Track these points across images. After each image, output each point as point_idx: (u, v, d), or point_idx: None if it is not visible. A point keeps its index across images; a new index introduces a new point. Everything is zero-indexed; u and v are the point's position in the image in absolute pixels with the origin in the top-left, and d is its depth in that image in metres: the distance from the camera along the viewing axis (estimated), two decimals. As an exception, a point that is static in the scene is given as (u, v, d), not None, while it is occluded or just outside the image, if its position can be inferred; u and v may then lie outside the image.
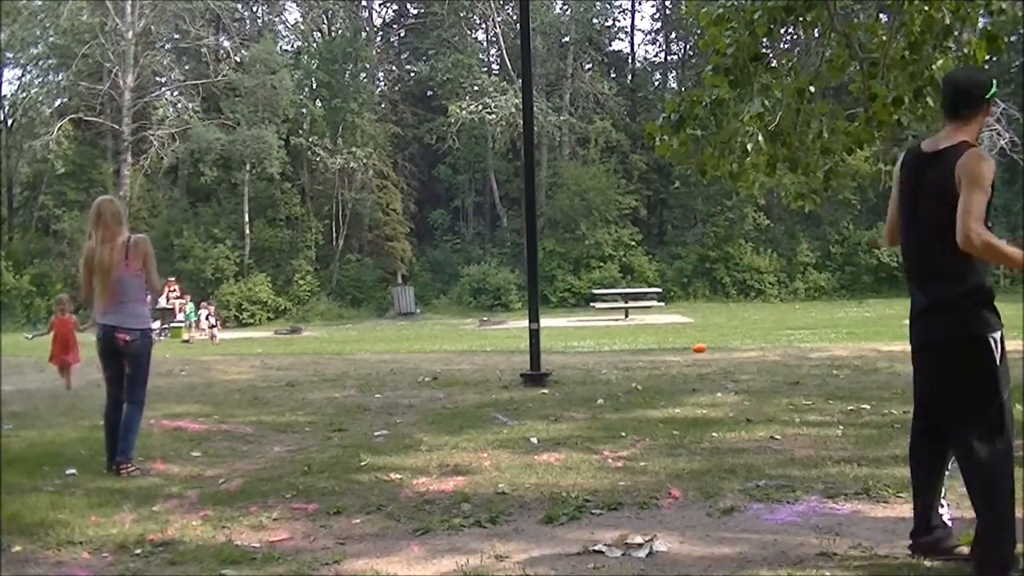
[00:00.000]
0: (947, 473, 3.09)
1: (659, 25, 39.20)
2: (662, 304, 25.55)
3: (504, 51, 34.86)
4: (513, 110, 31.03)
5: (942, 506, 3.08)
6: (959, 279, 2.95)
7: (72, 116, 30.68)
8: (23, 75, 32.70)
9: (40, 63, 32.08)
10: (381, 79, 38.30)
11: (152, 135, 30.61)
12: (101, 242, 5.19)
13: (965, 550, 2.99)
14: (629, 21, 39.30)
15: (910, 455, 3.20)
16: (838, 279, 30.99)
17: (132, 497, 4.46)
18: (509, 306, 29.52)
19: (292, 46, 35.89)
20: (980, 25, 6.87)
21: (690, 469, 4.71)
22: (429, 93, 36.28)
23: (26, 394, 9.27)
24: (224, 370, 11.61)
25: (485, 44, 38.48)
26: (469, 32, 36.99)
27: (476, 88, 32.99)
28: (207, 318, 22.00)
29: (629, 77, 39.17)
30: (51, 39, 31.08)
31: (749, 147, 6.68)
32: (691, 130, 7.07)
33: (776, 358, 10.82)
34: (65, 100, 32.07)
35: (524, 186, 10.03)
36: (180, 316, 22.04)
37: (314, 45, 35.23)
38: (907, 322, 3.15)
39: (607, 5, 37.24)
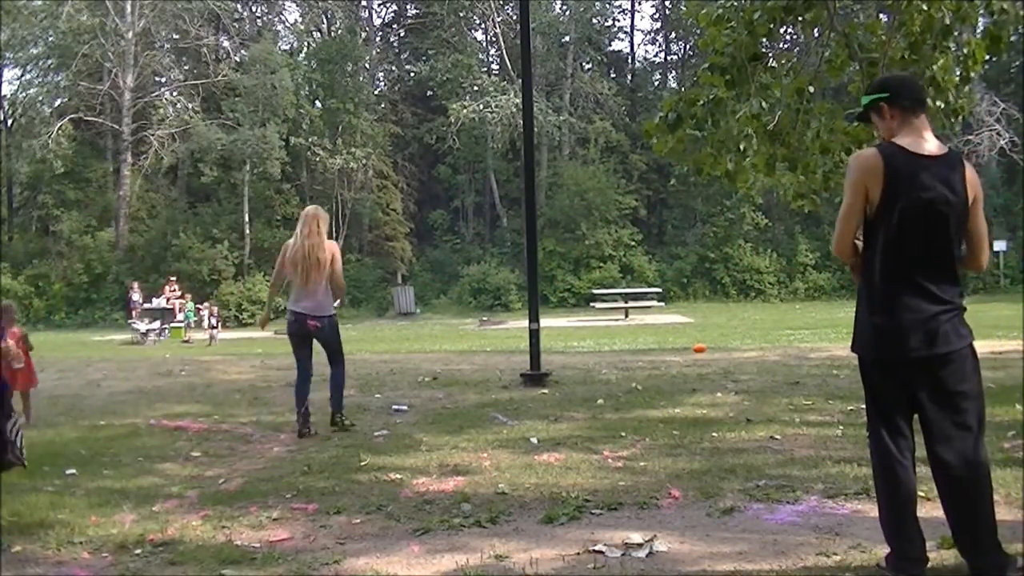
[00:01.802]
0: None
1: (659, 25, 39.28)
2: (662, 304, 25.55)
3: (504, 51, 34.87)
4: (513, 110, 31.02)
5: None
6: (958, 284, 2.91)
7: (72, 116, 30.67)
8: (23, 75, 32.76)
9: (40, 63, 32.07)
10: (381, 79, 38.32)
11: (152, 135, 30.60)
12: (311, 243, 6.22)
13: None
14: (629, 21, 39.41)
15: (905, 473, 2.90)
16: (838, 279, 30.99)
17: (132, 497, 4.46)
18: (509, 306, 29.52)
19: (291, 46, 35.92)
20: (980, 25, 6.87)
21: (690, 469, 4.71)
22: (429, 93, 36.29)
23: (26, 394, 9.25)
24: (224, 370, 11.61)
25: (485, 44, 38.50)
26: (469, 32, 37.00)
27: (476, 88, 33.00)
28: (209, 318, 22.00)
29: (629, 77, 39.21)
30: (51, 39, 31.07)
31: (743, 147, 6.68)
32: (689, 130, 7.06)
33: (776, 358, 10.82)
34: (65, 100, 32.06)
35: (524, 186, 10.04)
36: (180, 316, 22.06)
37: (312, 45, 35.23)
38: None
39: (607, 5, 37.27)
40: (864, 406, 3.08)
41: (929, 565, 2.99)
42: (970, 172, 2.90)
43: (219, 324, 22.06)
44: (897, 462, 2.89)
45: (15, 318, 7.62)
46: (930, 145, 2.88)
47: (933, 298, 2.81)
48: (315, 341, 6.42)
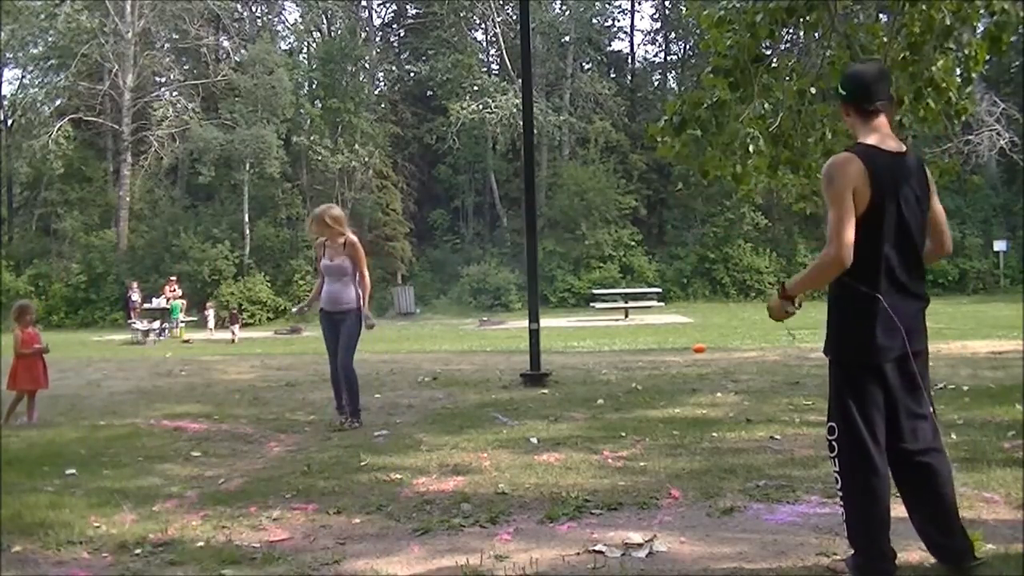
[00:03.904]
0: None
1: (659, 25, 39.26)
2: (662, 304, 25.56)
3: (504, 51, 34.87)
4: (513, 110, 31.02)
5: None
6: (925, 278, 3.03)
7: (72, 116, 30.66)
8: (23, 75, 32.73)
9: (40, 63, 32.05)
10: (381, 79, 38.30)
11: (152, 135, 30.60)
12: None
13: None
14: (629, 21, 39.51)
15: (886, 480, 2.93)
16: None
17: (132, 497, 4.46)
18: (509, 306, 29.51)
19: (291, 46, 35.91)
20: (981, 26, 6.86)
21: (690, 469, 4.71)
22: (429, 93, 36.28)
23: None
24: (224, 370, 11.60)
25: (485, 44, 38.50)
26: (469, 32, 36.99)
27: (476, 88, 33.00)
28: (216, 318, 22.27)
29: (629, 77, 39.19)
30: (51, 39, 31.06)
31: (751, 148, 6.68)
32: (692, 131, 7.06)
33: (776, 358, 10.82)
34: (65, 100, 32.03)
35: (524, 186, 10.04)
36: (181, 316, 22.09)
37: (312, 45, 35.22)
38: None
39: (607, 5, 37.26)
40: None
41: (928, 565, 3.01)
42: (924, 164, 3.04)
43: (216, 324, 22.15)
44: (879, 469, 2.90)
45: (30, 319, 7.65)
46: (893, 143, 2.93)
47: (914, 295, 2.91)
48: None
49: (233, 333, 20.08)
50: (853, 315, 2.89)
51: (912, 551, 3.12)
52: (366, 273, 6.64)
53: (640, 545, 3.39)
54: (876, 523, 2.88)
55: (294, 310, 7.93)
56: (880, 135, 2.91)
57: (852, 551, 2.96)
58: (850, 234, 2.78)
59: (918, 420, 2.92)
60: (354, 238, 6.69)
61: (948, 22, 6.42)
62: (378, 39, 38.06)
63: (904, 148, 2.95)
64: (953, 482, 3.01)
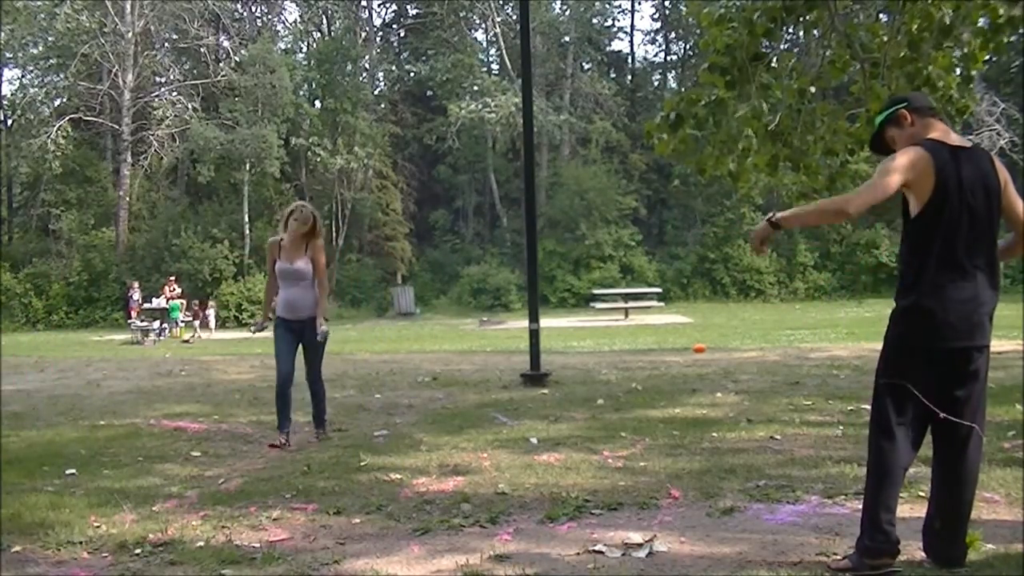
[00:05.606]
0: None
1: (659, 25, 39.30)
2: (662, 304, 25.56)
3: (504, 51, 34.87)
4: (513, 110, 31.03)
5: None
6: (998, 276, 3.01)
7: (72, 116, 30.64)
8: (23, 75, 32.73)
9: (40, 63, 32.04)
10: (381, 79, 38.31)
11: (152, 135, 30.58)
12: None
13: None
14: (629, 21, 39.53)
15: (900, 471, 2.99)
16: (838, 279, 31.01)
17: (132, 497, 4.46)
18: (509, 306, 29.52)
19: (289, 45, 35.91)
20: (980, 24, 6.87)
21: (690, 469, 4.71)
22: (429, 93, 36.30)
23: (26, 394, 9.25)
24: (224, 370, 11.60)
25: (485, 44, 38.53)
26: (469, 32, 37.00)
27: (476, 88, 33.01)
28: (215, 316, 22.37)
29: (629, 77, 39.23)
30: (51, 39, 31.05)
31: (744, 147, 6.68)
32: (690, 130, 7.06)
33: (776, 358, 10.82)
34: (65, 100, 32.02)
35: (524, 186, 10.04)
36: (180, 316, 22.09)
37: (312, 45, 35.20)
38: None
39: (607, 5, 37.30)
40: (867, 405, 3.09)
41: (929, 564, 3.01)
42: (996, 159, 3.04)
43: (217, 323, 22.19)
44: (887, 451, 2.94)
45: None
46: (955, 138, 3.00)
47: (978, 289, 2.90)
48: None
49: (195, 331, 20.05)
50: (908, 298, 2.96)
51: (915, 551, 3.12)
52: (324, 278, 6.15)
53: (640, 545, 3.39)
54: (881, 506, 2.93)
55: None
56: (942, 131, 3.00)
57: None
58: (868, 201, 2.87)
59: (971, 421, 2.93)
60: (319, 241, 6.16)
61: (947, 21, 6.43)
62: (378, 39, 38.06)
63: (968, 143, 3.01)
64: (973, 488, 3.01)
